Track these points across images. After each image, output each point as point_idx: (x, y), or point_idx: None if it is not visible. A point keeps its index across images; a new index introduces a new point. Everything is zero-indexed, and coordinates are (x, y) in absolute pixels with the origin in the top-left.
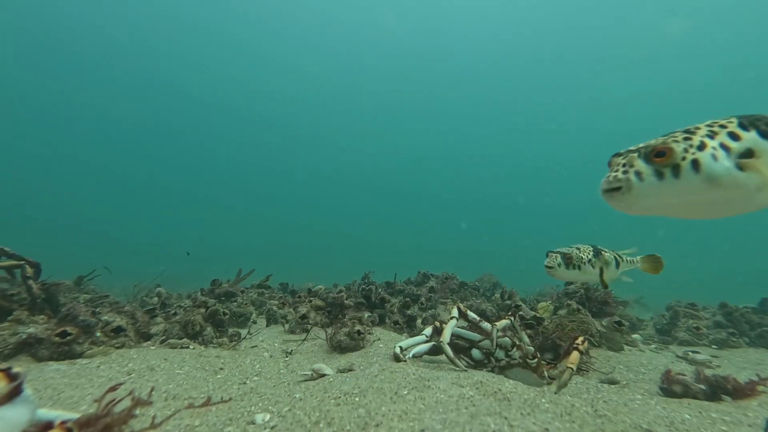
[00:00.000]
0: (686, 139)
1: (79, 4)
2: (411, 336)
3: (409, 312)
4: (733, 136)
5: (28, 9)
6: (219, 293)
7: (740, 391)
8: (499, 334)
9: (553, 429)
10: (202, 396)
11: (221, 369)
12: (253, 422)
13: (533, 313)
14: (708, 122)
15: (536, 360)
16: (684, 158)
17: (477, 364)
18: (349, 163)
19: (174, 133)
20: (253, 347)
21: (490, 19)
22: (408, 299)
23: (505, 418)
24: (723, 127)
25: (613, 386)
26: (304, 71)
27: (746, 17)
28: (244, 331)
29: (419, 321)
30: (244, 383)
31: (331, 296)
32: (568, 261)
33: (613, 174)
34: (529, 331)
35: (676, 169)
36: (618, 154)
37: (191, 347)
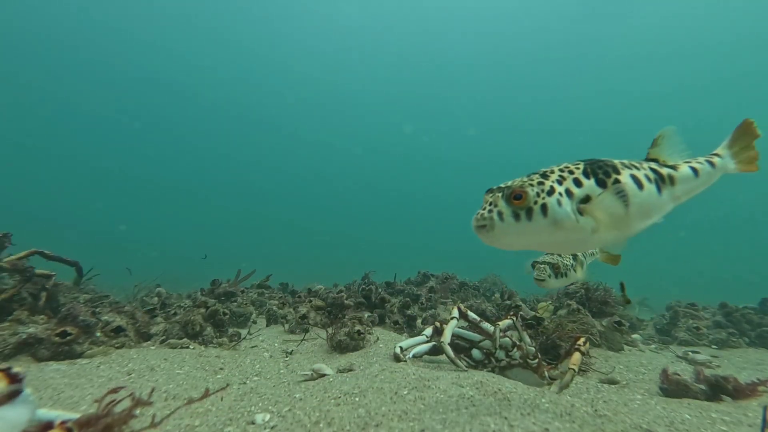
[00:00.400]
0: (540, 183)
1: (77, 1)
2: (411, 336)
3: (409, 312)
4: (577, 183)
5: (25, 6)
6: (219, 293)
7: (740, 391)
8: (500, 334)
9: (553, 429)
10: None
11: (221, 369)
12: (253, 422)
13: (533, 313)
14: (561, 166)
15: (537, 360)
16: (536, 202)
17: (477, 365)
18: (350, 163)
19: (174, 133)
20: (253, 347)
21: (487, 20)
22: (408, 299)
23: (505, 418)
24: (571, 173)
25: (613, 386)
26: (305, 73)
27: (746, 16)
28: (244, 331)
29: (419, 321)
30: (244, 383)
31: (331, 296)
32: (557, 271)
33: (482, 212)
34: (529, 331)
35: (529, 212)
36: (489, 191)
37: (191, 347)
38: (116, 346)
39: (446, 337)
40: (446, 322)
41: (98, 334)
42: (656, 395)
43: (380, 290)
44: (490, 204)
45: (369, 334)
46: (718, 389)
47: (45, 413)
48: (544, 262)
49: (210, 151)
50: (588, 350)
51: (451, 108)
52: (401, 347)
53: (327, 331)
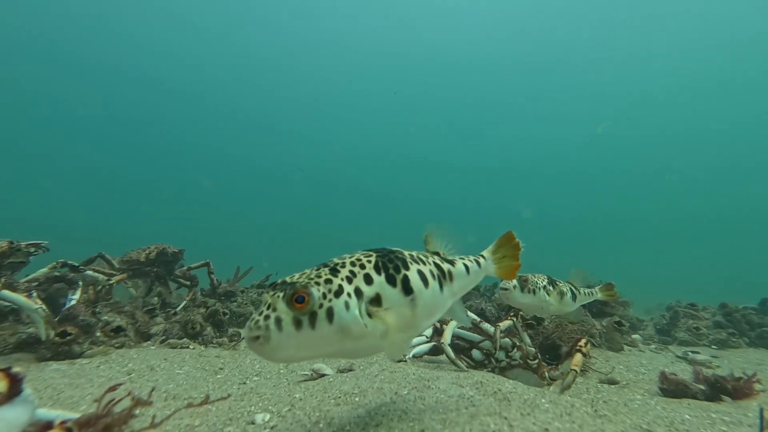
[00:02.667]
0: (328, 281)
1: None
2: None
3: None
4: (368, 280)
5: (18, 4)
6: (219, 293)
7: (740, 391)
8: (501, 335)
9: (553, 429)
10: (202, 396)
11: (221, 369)
12: (253, 422)
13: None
14: (354, 257)
15: (537, 361)
16: (321, 305)
17: (477, 365)
18: (349, 164)
19: (174, 133)
20: None
21: (485, 21)
22: None
23: (505, 418)
24: (362, 267)
25: (613, 386)
26: (304, 72)
27: (745, 16)
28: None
29: None
30: (244, 383)
31: None
32: (524, 284)
33: (256, 318)
34: (529, 331)
35: (312, 319)
36: (272, 286)
37: (191, 347)
38: (116, 346)
39: (446, 337)
40: (446, 322)
41: (98, 334)
42: (656, 395)
43: None
44: (269, 307)
45: None
46: (717, 389)
47: (45, 413)
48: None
49: (210, 150)
50: (589, 351)
51: (453, 112)
52: None
53: None
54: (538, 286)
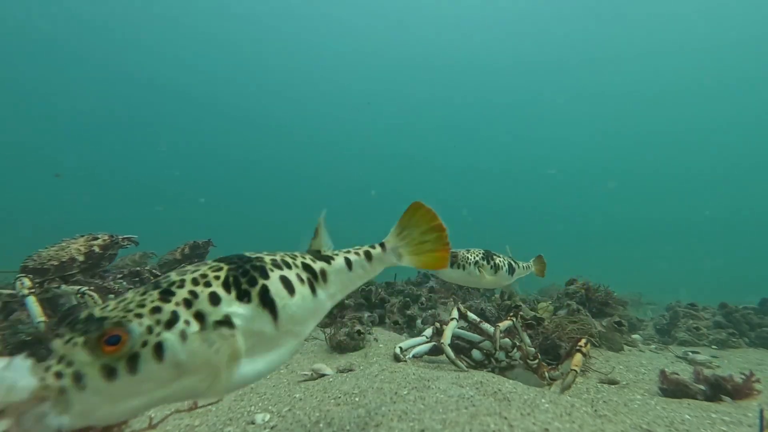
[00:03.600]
0: (156, 309)
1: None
2: (411, 336)
3: (409, 312)
4: (214, 299)
5: (11, 2)
6: None
7: (740, 392)
8: (501, 335)
9: (553, 429)
10: None
11: None
12: (253, 422)
13: (533, 313)
14: (198, 273)
15: (537, 361)
16: (146, 342)
17: (477, 365)
18: (349, 162)
19: (175, 133)
20: None
21: (487, 21)
22: (408, 299)
23: (505, 418)
24: (207, 285)
25: (613, 386)
26: (303, 72)
27: (746, 16)
28: None
29: (419, 321)
30: None
31: None
32: (453, 260)
33: (50, 374)
34: (529, 331)
35: (133, 361)
36: (69, 325)
37: None
38: None
39: (446, 338)
40: (446, 322)
41: None
42: (656, 395)
43: (380, 290)
44: (61, 361)
45: (369, 334)
46: (717, 389)
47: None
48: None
49: (209, 150)
50: (589, 351)
51: (452, 110)
52: (401, 347)
53: (326, 332)
54: (469, 261)
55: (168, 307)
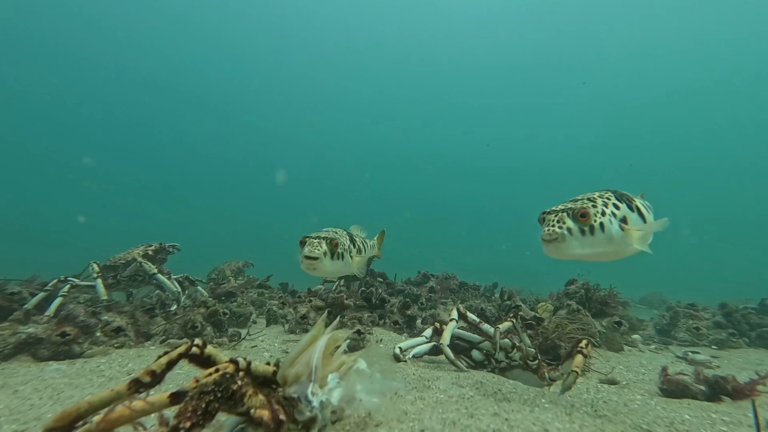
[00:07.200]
0: (594, 206)
1: None
2: (411, 336)
3: (409, 312)
4: (616, 207)
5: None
6: (219, 293)
7: (740, 392)
8: (500, 335)
9: (553, 429)
10: None
11: None
12: None
13: (533, 313)
14: (597, 193)
15: (537, 362)
16: (595, 221)
17: (477, 365)
18: (349, 163)
19: (175, 133)
20: (253, 347)
21: (486, 21)
22: (408, 299)
23: (506, 419)
24: (608, 199)
25: (613, 387)
26: (301, 71)
27: (748, 16)
28: (243, 331)
29: (419, 321)
30: None
31: (331, 296)
32: (333, 250)
33: (552, 228)
34: (529, 332)
35: (591, 229)
36: (550, 212)
37: None
38: (116, 346)
39: (446, 338)
40: (446, 323)
41: (98, 334)
42: (656, 395)
43: (380, 290)
44: (558, 222)
45: (369, 334)
46: (717, 389)
47: None
48: (318, 237)
49: (209, 150)
50: (590, 352)
51: (452, 110)
52: (401, 348)
53: None
54: (347, 249)
55: (599, 207)
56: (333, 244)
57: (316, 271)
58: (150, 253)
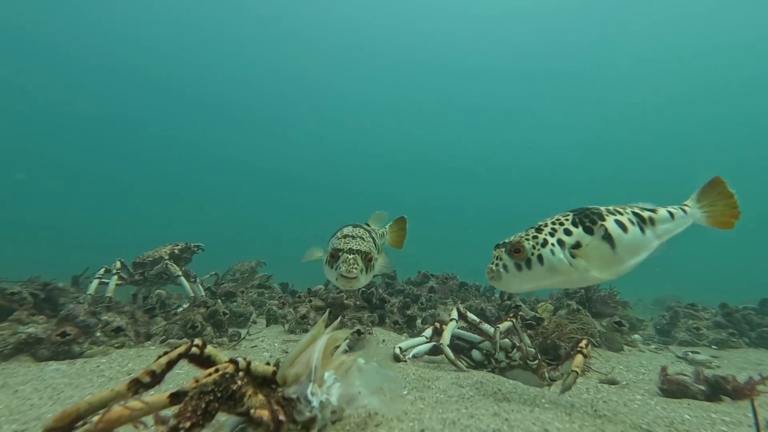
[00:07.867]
0: (534, 237)
1: None
2: (411, 336)
3: (409, 312)
4: (567, 232)
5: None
6: (219, 293)
7: (740, 392)
8: (500, 335)
9: (553, 429)
10: None
11: None
12: None
13: (533, 313)
14: (553, 219)
15: (537, 362)
16: (533, 254)
17: (477, 365)
18: (349, 164)
19: (175, 133)
20: (253, 347)
21: (486, 21)
22: (408, 299)
23: (506, 419)
24: (561, 224)
25: (612, 386)
26: (301, 71)
27: (749, 17)
28: (243, 331)
29: (419, 321)
30: None
31: (331, 296)
32: (368, 264)
33: (491, 266)
34: (529, 332)
35: (528, 263)
36: (497, 246)
37: None
38: (116, 346)
39: (446, 338)
40: (446, 323)
41: (98, 334)
42: (656, 395)
43: (380, 290)
44: (497, 259)
45: (369, 334)
46: (717, 389)
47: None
48: (351, 250)
49: (208, 150)
50: (590, 352)
51: (456, 111)
52: (401, 348)
53: None
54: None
55: (541, 237)
56: (367, 259)
57: (352, 287)
58: (176, 252)
